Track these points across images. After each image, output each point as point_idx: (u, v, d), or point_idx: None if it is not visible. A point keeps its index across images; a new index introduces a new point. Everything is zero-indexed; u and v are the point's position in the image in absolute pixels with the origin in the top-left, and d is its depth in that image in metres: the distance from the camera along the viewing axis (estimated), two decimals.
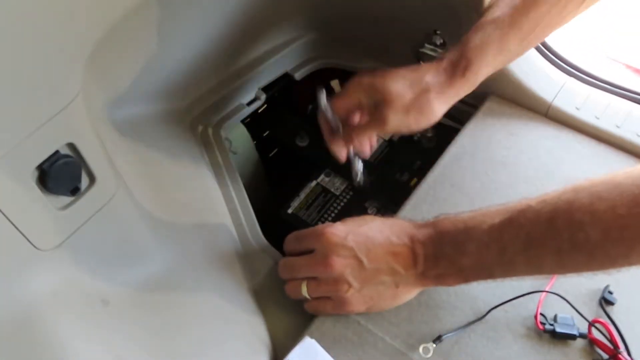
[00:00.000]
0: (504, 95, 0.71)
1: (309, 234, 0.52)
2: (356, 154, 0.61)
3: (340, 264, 0.49)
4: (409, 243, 0.50)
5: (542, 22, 0.55)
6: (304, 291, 0.51)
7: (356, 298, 0.50)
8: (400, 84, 0.55)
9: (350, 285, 0.49)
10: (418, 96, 0.55)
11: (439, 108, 0.56)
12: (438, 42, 0.70)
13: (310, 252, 0.51)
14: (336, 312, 0.51)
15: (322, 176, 0.74)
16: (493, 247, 0.45)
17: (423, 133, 0.76)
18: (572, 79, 0.72)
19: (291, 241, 0.54)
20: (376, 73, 0.56)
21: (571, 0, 0.54)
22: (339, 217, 0.67)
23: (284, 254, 0.55)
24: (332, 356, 0.48)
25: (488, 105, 0.72)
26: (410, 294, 0.51)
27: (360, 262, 0.49)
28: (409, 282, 0.50)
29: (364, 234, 0.50)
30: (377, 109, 0.56)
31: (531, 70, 0.69)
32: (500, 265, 0.45)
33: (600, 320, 0.50)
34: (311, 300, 0.52)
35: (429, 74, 0.55)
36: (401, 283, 0.50)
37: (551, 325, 0.50)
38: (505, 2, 0.55)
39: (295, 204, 0.71)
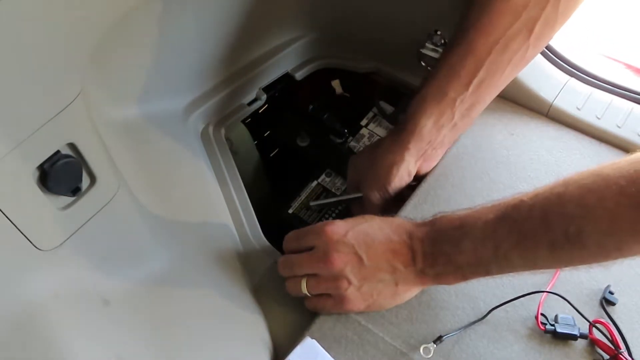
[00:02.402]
0: (505, 95, 0.71)
1: (309, 232, 0.52)
2: None
3: (340, 261, 0.49)
4: (407, 240, 0.50)
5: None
6: (304, 288, 0.51)
7: (356, 296, 0.50)
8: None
9: (350, 283, 0.49)
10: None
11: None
12: (439, 42, 0.69)
13: (310, 249, 0.51)
14: (336, 309, 0.51)
15: (322, 176, 0.74)
16: (488, 243, 0.45)
17: None
18: (573, 79, 0.72)
19: (291, 239, 0.54)
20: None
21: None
22: (339, 218, 0.67)
23: (284, 253, 0.55)
24: (333, 356, 0.48)
25: (489, 105, 0.72)
26: (410, 292, 0.51)
27: (360, 259, 0.49)
28: (408, 279, 0.50)
29: (364, 231, 0.50)
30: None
31: (532, 70, 0.69)
32: (496, 261, 0.45)
33: (601, 320, 0.50)
34: (311, 297, 0.52)
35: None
36: (400, 281, 0.50)
37: (552, 325, 0.50)
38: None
39: (296, 204, 0.71)
